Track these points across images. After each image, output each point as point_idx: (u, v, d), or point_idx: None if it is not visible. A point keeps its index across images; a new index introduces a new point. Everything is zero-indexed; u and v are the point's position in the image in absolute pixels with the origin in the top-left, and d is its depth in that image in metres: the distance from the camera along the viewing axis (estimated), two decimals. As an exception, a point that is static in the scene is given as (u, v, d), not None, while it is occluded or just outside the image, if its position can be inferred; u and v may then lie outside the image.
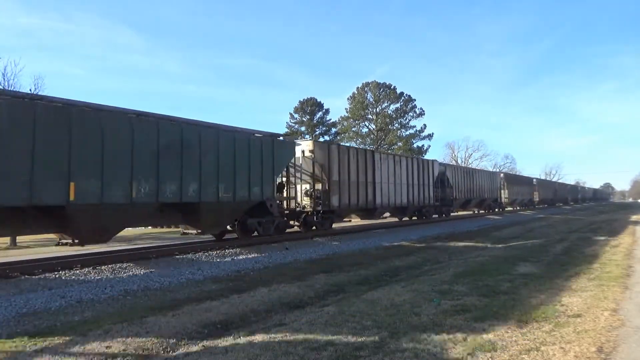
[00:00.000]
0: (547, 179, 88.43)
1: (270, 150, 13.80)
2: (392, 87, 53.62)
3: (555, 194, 64.50)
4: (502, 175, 43.48)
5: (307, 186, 16.59)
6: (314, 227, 16.90)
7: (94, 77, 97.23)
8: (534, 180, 56.30)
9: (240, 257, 11.73)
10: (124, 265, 10.04)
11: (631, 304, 6.17)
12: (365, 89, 54.11)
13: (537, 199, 53.53)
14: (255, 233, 14.14)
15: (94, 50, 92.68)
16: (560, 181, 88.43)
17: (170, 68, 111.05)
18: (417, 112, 54.15)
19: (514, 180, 46.91)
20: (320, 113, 53.16)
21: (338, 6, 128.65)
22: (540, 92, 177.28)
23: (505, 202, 41.69)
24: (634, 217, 31.96)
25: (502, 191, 40.73)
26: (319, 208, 16.40)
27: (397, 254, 12.72)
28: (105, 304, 7.11)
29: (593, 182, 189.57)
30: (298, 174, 16.60)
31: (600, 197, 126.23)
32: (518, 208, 46.77)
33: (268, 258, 11.62)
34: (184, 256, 11.35)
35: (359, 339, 4.69)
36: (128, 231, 18.84)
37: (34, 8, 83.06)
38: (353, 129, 54.33)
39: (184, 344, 5.05)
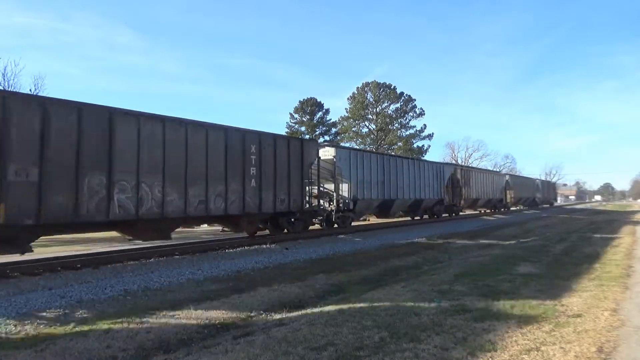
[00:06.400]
0: (547, 179, 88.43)
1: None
2: (392, 87, 53.58)
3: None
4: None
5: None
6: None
7: (93, 77, 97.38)
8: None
9: (240, 257, 11.73)
10: (124, 265, 10.03)
11: (631, 304, 6.16)
12: (365, 89, 54.07)
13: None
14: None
15: (93, 50, 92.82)
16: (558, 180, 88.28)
17: (169, 68, 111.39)
18: (417, 112, 54.19)
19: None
20: (320, 113, 53.04)
21: (337, 6, 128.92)
22: (540, 92, 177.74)
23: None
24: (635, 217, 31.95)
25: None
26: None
27: (398, 254, 12.71)
28: (106, 304, 7.11)
29: (593, 182, 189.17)
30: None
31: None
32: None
33: (268, 258, 11.60)
34: (184, 256, 11.35)
35: (359, 339, 4.69)
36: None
37: (30, 7, 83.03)
38: (353, 129, 54.27)
39: (184, 344, 5.06)
